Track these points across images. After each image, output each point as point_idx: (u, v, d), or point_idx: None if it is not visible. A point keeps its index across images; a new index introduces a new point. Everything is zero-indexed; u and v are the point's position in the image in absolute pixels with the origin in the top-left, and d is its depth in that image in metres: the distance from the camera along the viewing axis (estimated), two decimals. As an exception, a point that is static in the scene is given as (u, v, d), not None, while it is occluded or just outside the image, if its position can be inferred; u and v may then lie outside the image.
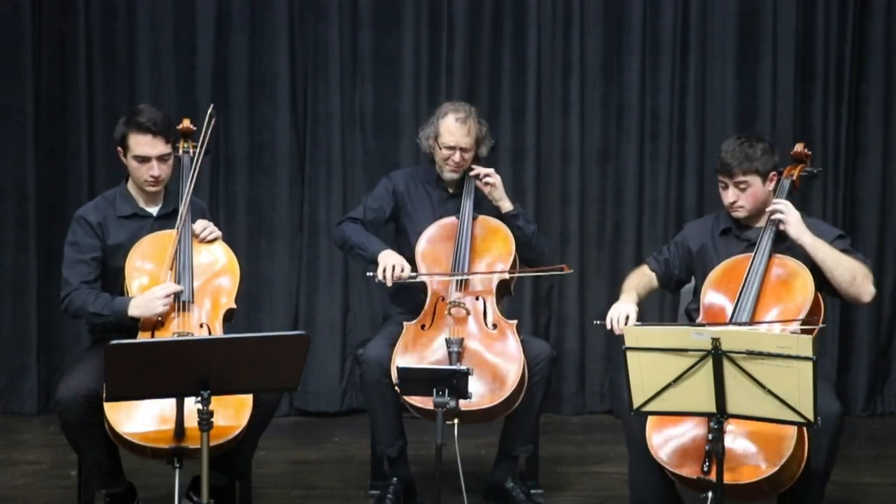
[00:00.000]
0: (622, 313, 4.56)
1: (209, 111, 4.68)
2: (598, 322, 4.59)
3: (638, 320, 4.53)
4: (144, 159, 4.62)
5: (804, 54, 6.55)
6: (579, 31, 6.55)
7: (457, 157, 5.04)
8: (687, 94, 6.57)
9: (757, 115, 6.55)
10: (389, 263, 4.88)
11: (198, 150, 4.68)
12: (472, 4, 6.55)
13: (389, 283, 4.89)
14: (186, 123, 4.85)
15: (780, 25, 6.52)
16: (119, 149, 4.70)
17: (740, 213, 4.58)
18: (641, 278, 4.77)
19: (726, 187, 4.56)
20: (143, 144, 4.61)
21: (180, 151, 4.77)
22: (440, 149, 5.06)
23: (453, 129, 5.03)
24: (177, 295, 4.49)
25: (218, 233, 4.69)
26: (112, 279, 4.62)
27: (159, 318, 4.47)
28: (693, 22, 6.55)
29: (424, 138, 5.13)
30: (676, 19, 6.54)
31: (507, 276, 4.96)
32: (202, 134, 4.65)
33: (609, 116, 6.62)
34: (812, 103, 6.56)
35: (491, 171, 5.08)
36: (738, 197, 4.54)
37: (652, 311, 6.54)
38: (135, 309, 4.46)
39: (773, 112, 6.54)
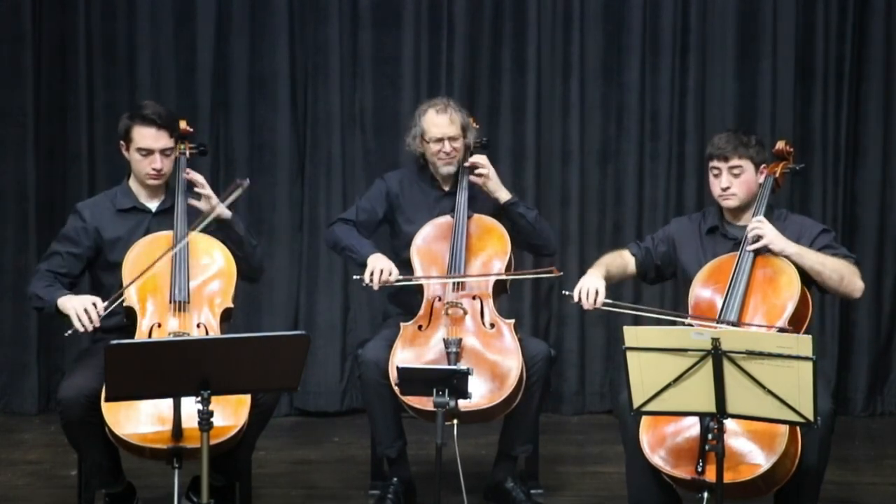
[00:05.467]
0: (591, 288, 4.55)
1: (245, 184, 4.67)
2: (567, 293, 4.59)
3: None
4: (148, 152, 4.64)
5: (804, 54, 6.55)
6: (579, 31, 6.55)
7: (447, 146, 5.05)
8: (687, 94, 6.57)
9: (757, 115, 6.55)
10: (377, 267, 4.89)
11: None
12: (472, 4, 6.55)
13: (376, 287, 4.89)
14: (183, 125, 4.85)
15: (779, 25, 6.52)
16: (122, 142, 4.71)
17: (732, 202, 4.57)
18: (616, 259, 4.78)
19: (719, 174, 4.56)
20: (147, 137, 4.62)
21: (177, 153, 4.78)
22: (429, 144, 5.07)
23: (436, 121, 5.04)
24: (173, 296, 4.49)
25: (215, 197, 4.70)
26: (109, 274, 4.63)
27: (157, 322, 4.47)
28: (693, 22, 6.55)
29: (412, 141, 5.14)
30: (676, 19, 6.55)
31: (497, 279, 4.95)
32: (226, 196, 4.65)
33: (609, 116, 6.62)
34: (812, 103, 6.56)
35: (483, 160, 5.05)
36: (732, 183, 4.54)
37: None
38: (63, 301, 4.46)
39: (773, 112, 6.54)
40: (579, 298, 4.55)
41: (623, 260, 4.79)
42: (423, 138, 5.08)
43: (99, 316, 4.40)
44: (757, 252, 4.44)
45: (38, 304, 4.56)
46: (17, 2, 6.46)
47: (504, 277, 4.99)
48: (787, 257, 4.42)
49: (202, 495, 4.01)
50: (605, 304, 4.53)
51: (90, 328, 4.40)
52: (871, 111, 6.58)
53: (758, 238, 4.43)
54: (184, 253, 4.58)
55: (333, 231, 5.15)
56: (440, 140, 5.05)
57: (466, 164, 5.07)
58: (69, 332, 4.42)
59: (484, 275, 4.94)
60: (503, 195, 5.07)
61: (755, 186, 4.57)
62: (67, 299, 4.47)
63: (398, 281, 4.91)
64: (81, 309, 4.39)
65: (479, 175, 5.03)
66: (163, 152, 4.65)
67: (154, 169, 4.65)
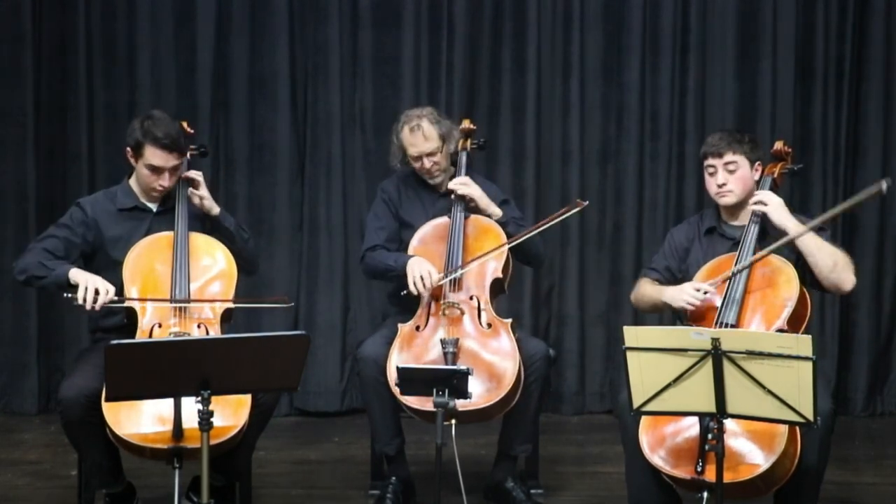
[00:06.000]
0: (690, 291, 4.42)
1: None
2: (687, 323, 4.42)
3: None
4: (158, 170, 4.65)
5: (804, 54, 6.55)
6: (579, 31, 6.55)
7: (427, 163, 5.05)
8: (687, 94, 6.58)
9: (757, 115, 6.56)
10: (416, 274, 4.86)
11: None
12: (472, 4, 6.55)
13: (426, 294, 4.88)
14: (184, 126, 4.86)
15: (780, 25, 6.52)
16: (129, 150, 4.70)
17: (729, 199, 4.57)
18: (653, 285, 4.67)
19: (714, 172, 4.56)
20: (159, 157, 4.64)
21: None
22: (410, 161, 5.08)
23: (411, 141, 5.04)
24: (174, 296, 4.50)
25: (208, 198, 4.74)
26: (110, 273, 4.62)
27: (158, 322, 4.48)
28: (693, 22, 6.55)
29: (395, 158, 5.14)
30: (676, 19, 6.55)
31: (525, 237, 4.90)
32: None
33: (609, 116, 6.63)
34: (812, 103, 6.56)
35: (457, 184, 5.01)
36: (728, 179, 4.54)
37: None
38: (78, 273, 4.48)
39: (773, 112, 6.54)
40: (696, 302, 4.43)
41: (655, 287, 4.69)
42: (404, 154, 5.09)
43: (104, 304, 4.43)
44: (758, 240, 4.42)
45: (40, 273, 4.54)
46: (17, 2, 6.46)
47: (538, 229, 4.89)
48: (784, 231, 4.42)
49: (202, 495, 4.02)
50: (707, 292, 4.41)
51: (89, 307, 4.42)
52: (871, 111, 6.58)
53: (760, 204, 4.43)
54: (184, 255, 4.58)
55: (366, 264, 5.13)
56: (418, 158, 5.05)
57: (449, 188, 5.04)
58: (68, 295, 4.44)
59: (519, 237, 4.89)
60: (495, 210, 5.05)
61: (751, 183, 4.57)
62: (83, 272, 4.49)
63: (440, 281, 4.88)
64: (93, 288, 4.42)
65: (462, 196, 5.00)
66: (172, 170, 4.67)
67: (161, 185, 4.67)
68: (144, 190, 4.73)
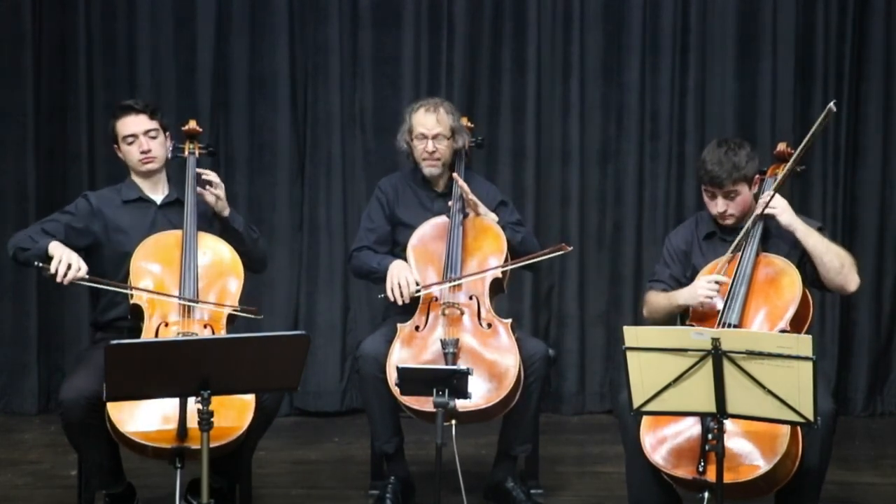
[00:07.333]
0: (706, 281, 4.41)
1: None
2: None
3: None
4: (133, 137, 4.69)
5: (804, 54, 6.55)
6: (579, 31, 6.55)
7: (430, 146, 5.05)
8: (687, 94, 6.57)
9: (757, 115, 6.55)
10: (395, 281, 4.88)
11: None
12: (472, 4, 6.55)
13: (408, 301, 4.87)
14: (193, 125, 4.89)
15: (779, 25, 6.52)
16: (115, 145, 4.77)
17: (730, 222, 4.57)
18: (662, 293, 4.65)
19: (714, 197, 4.54)
20: (128, 124, 4.70)
21: (185, 152, 4.82)
22: (415, 141, 5.08)
23: (422, 120, 5.06)
24: (181, 295, 4.51)
25: (223, 199, 4.75)
26: (114, 265, 4.65)
27: (164, 322, 4.49)
28: (693, 22, 6.55)
29: (400, 137, 5.14)
30: (676, 19, 6.55)
31: (506, 268, 4.93)
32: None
33: (609, 116, 6.62)
34: (812, 103, 6.55)
35: (464, 184, 5.01)
36: (728, 206, 4.53)
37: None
38: (56, 246, 4.50)
39: (772, 112, 6.53)
40: (714, 296, 4.42)
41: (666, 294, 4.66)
42: (411, 135, 5.09)
43: (74, 279, 4.44)
44: (761, 240, 4.42)
45: (26, 245, 4.56)
46: (17, 2, 6.46)
47: (516, 265, 4.96)
48: (792, 232, 4.42)
49: (202, 495, 4.01)
50: (718, 281, 4.39)
51: (58, 280, 4.44)
52: (871, 111, 6.58)
53: (767, 206, 4.42)
54: (192, 254, 4.59)
55: (353, 264, 5.17)
56: (424, 137, 5.05)
57: (453, 175, 5.05)
58: (39, 264, 4.47)
59: (493, 268, 4.91)
60: (492, 219, 5.06)
61: (750, 201, 4.56)
62: (62, 247, 4.51)
63: (418, 292, 4.89)
64: (66, 262, 4.44)
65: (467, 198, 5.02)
66: (147, 134, 4.71)
67: (142, 152, 4.70)
68: (135, 168, 4.75)
